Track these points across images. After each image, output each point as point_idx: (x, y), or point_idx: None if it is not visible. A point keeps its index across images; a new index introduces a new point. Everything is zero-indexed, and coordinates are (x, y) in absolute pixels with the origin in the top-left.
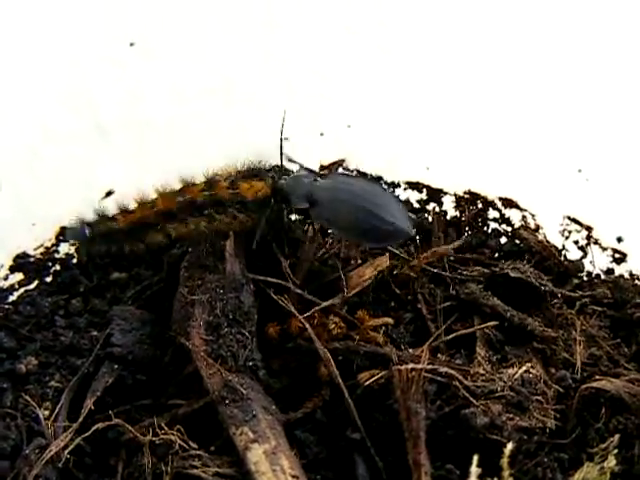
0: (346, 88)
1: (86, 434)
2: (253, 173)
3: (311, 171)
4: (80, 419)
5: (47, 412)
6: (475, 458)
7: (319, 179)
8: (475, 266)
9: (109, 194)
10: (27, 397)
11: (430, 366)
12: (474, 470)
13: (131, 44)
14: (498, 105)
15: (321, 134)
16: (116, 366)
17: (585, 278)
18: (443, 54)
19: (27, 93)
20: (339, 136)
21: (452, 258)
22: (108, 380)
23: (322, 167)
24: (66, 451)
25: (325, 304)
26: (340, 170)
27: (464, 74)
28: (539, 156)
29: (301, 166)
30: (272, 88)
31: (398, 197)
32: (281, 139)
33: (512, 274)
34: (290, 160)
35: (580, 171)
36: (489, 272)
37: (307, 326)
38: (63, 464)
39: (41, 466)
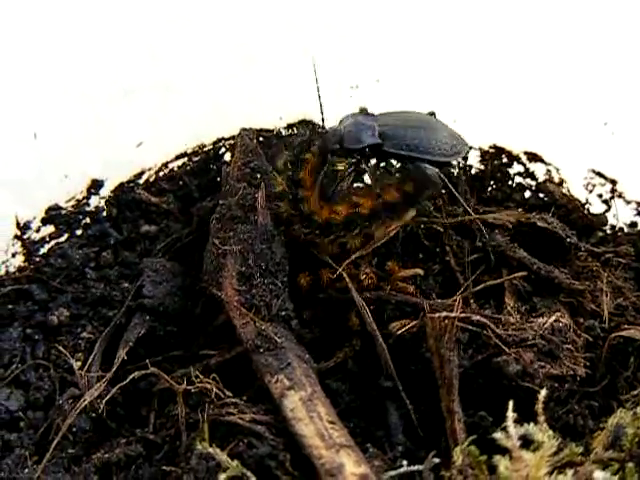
0: (375, 43)
1: (122, 383)
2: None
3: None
4: (113, 369)
5: (79, 363)
6: (510, 403)
7: (375, 118)
8: (499, 217)
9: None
10: (60, 348)
11: (463, 314)
12: (510, 415)
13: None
14: (524, 59)
15: (351, 87)
16: (147, 317)
17: (609, 231)
18: (471, 8)
19: (56, 56)
20: (368, 90)
21: (480, 210)
22: (140, 331)
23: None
24: (102, 401)
25: (357, 255)
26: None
27: (491, 28)
28: (564, 109)
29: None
30: (294, 47)
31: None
32: (319, 95)
33: (539, 223)
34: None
35: (606, 124)
36: (515, 222)
37: (344, 274)
38: (96, 414)
39: (75, 416)
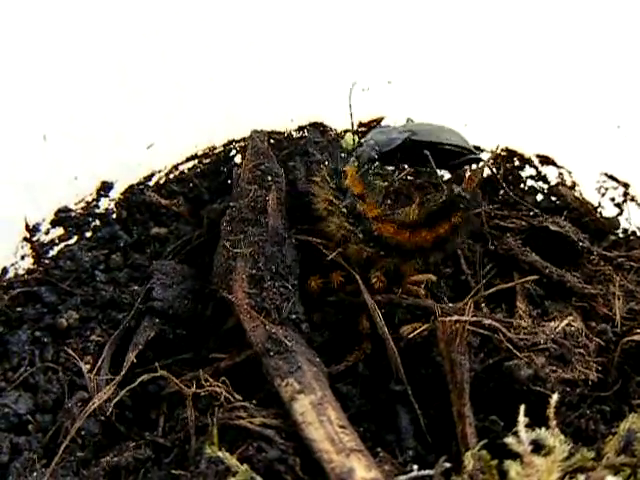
0: (387, 45)
1: (131, 386)
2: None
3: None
4: (123, 372)
5: (88, 366)
6: (522, 408)
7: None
8: (510, 220)
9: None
10: (69, 351)
11: (474, 318)
12: (522, 419)
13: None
14: (537, 63)
15: (363, 90)
16: (157, 320)
17: (621, 235)
18: (484, 12)
19: (66, 58)
20: (379, 93)
21: (492, 214)
22: (149, 334)
23: (361, 124)
24: (110, 404)
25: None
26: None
27: (504, 31)
28: (577, 112)
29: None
30: (306, 49)
31: None
32: (350, 114)
33: (552, 227)
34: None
35: (619, 127)
36: (528, 225)
37: (357, 277)
38: (105, 417)
39: (83, 419)
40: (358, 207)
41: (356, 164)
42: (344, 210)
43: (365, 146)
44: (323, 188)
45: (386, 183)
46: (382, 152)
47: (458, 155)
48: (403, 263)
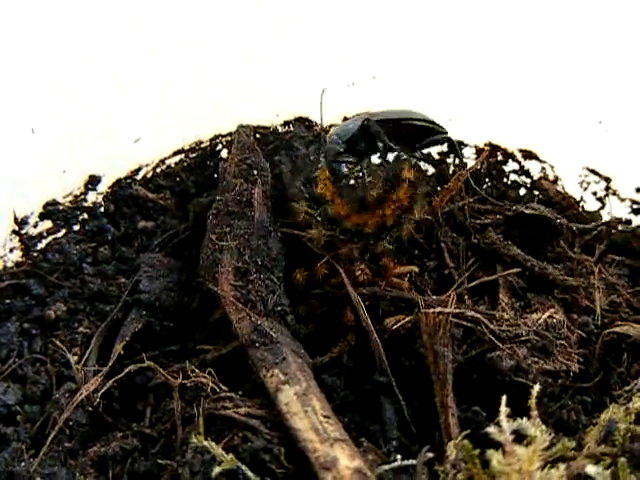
0: (371, 41)
1: (118, 376)
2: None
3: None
4: (110, 363)
5: (76, 357)
6: (504, 398)
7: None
8: (493, 214)
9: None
10: (57, 342)
11: (457, 310)
12: (503, 409)
13: None
14: (519, 58)
15: (347, 85)
16: (144, 312)
17: (603, 229)
18: (467, 6)
19: (54, 52)
20: (364, 88)
21: (474, 208)
22: (136, 326)
23: (345, 119)
24: (97, 394)
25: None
26: None
27: (486, 26)
28: (559, 107)
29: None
30: (291, 44)
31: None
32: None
33: (527, 211)
34: None
35: (600, 122)
36: (503, 217)
37: (340, 270)
38: (92, 408)
39: (71, 410)
40: (329, 211)
41: (323, 162)
42: (319, 219)
43: (329, 142)
44: (299, 201)
45: (358, 171)
46: (345, 142)
47: (424, 133)
48: (373, 245)
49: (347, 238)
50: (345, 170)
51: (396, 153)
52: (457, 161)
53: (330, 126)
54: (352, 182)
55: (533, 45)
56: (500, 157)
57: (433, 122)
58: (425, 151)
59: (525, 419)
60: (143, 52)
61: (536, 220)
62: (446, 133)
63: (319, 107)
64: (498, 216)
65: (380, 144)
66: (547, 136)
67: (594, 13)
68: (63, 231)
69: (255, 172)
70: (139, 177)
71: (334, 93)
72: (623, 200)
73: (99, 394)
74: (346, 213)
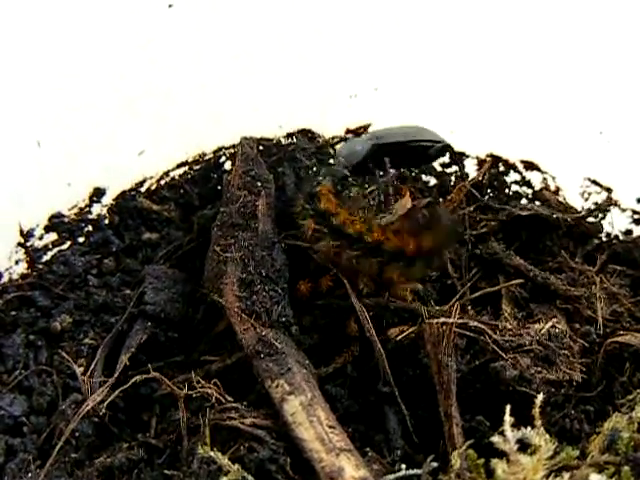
0: (373, 52)
1: (124, 387)
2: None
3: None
4: (116, 374)
5: (82, 369)
6: (508, 408)
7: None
8: (491, 221)
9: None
10: (63, 354)
11: (460, 320)
12: (507, 419)
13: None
14: (521, 69)
15: (350, 97)
16: (149, 324)
17: (604, 239)
18: (468, 19)
19: (58, 65)
20: (366, 99)
21: (476, 218)
22: (142, 337)
23: (348, 131)
24: (102, 405)
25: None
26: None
27: (488, 38)
28: (560, 118)
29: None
30: (294, 56)
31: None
32: None
33: (523, 213)
34: None
35: (601, 133)
36: (500, 223)
37: (345, 282)
38: (98, 419)
39: (77, 421)
40: (335, 223)
41: (328, 182)
42: (326, 231)
43: (336, 163)
44: (305, 218)
45: (368, 191)
46: (352, 166)
47: (431, 150)
48: (387, 264)
49: (361, 252)
50: (352, 193)
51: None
52: (458, 171)
53: (332, 138)
54: (364, 199)
55: (534, 57)
56: (502, 168)
57: (435, 136)
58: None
59: (529, 428)
60: (146, 64)
61: (533, 220)
62: (447, 143)
63: (335, 115)
64: (493, 223)
65: (389, 168)
66: (548, 147)
67: (595, 24)
68: (68, 243)
69: (259, 184)
70: (143, 189)
71: (336, 105)
72: (624, 210)
73: (105, 405)
74: (362, 228)
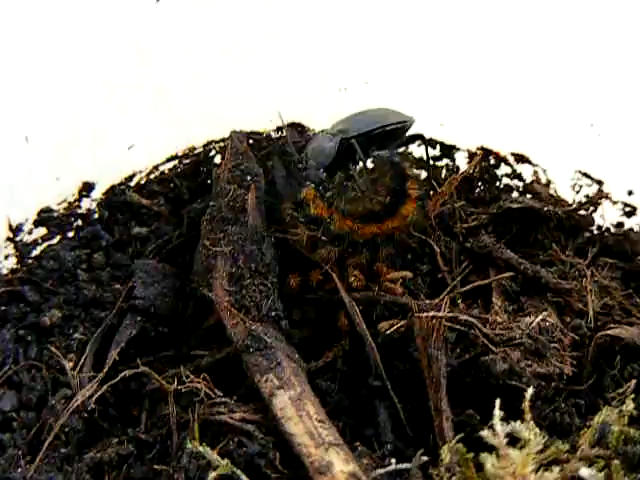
0: (363, 45)
1: (113, 381)
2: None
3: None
4: (105, 369)
5: (72, 364)
6: (497, 401)
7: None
8: (482, 215)
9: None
10: (52, 349)
11: (450, 314)
12: (497, 413)
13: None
14: (511, 61)
15: (339, 90)
16: (139, 318)
17: (596, 232)
18: (457, 11)
19: (47, 59)
20: (356, 93)
21: (467, 211)
22: (131, 332)
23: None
24: (92, 399)
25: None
26: None
27: (478, 30)
28: (551, 111)
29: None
30: (284, 49)
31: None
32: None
33: (514, 205)
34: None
35: (592, 126)
36: (491, 216)
37: (334, 276)
38: (88, 414)
39: (67, 416)
40: (333, 228)
41: (312, 186)
42: (324, 238)
43: (308, 168)
44: (297, 225)
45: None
46: (324, 167)
47: (397, 134)
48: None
49: (355, 249)
50: (333, 191)
51: (397, 165)
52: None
53: (322, 131)
54: (347, 197)
55: (525, 49)
56: (493, 161)
57: (400, 115)
58: (417, 155)
59: (518, 422)
60: (135, 58)
61: (523, 213)
62: (414, 122)
63: (325, 108)
64: (484, 216)
65: (359, 159)
66: (539, 140)
67: (584, 17)
68: (57, 238)
69: (248, 178)
70: (133, 183)
71: (326, 98)
72: (615, 203)
73: (94, 400)
74: (354, 226)
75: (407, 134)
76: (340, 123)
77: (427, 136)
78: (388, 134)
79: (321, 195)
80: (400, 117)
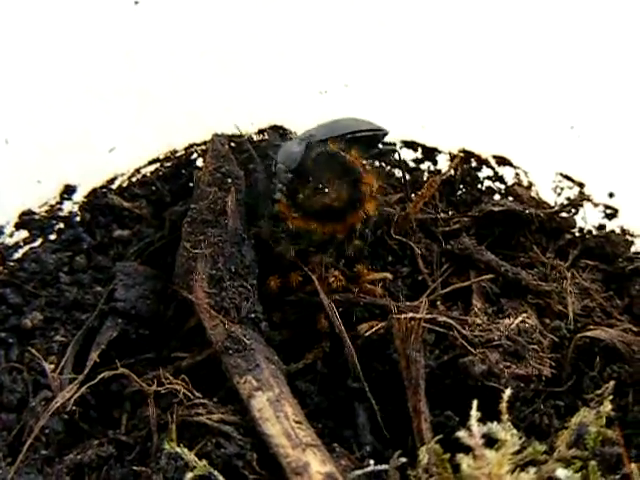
0: (344, 48)
1: (92, 382)
2: None
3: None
4: (85, 371)
5: (52, 366)
6: (475, 403)
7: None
8: (464, 217)
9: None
10: (33, 351)
11: (429, 316)
12: (474, 414)
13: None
14: (491, 63)
15: (320, 93)
16: (120, 320)
17: (577, 234)
18: (438, 15)
19: (29, 61)
20: (337, 96)
21: (447, 214)
22: (112, 334)
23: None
24: (71, 400)
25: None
26: None
27: (458, 33)
28: (531, 113)
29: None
30: (265, 53)
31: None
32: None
33: (495, 208)
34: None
35: (572, 128)
36: (472, 219)
37: (313, 278)
38: (68, 416)
39: (47, 418)
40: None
41: (282, 197)
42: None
43: (277, 172)
44: (277, 241)
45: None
46: (292, 170)
47: (369, 143)
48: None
49: (319, 248)
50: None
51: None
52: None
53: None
54: (313, 197)
55: (506, 52)
56: (474, 163)
57: (376, 129)
58: (397, 157)
59: (495, 423)
60: (118, 61)
61: (505, 216)
62: (387, 133)
63: (306, 111)
64: (465, 219)
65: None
66: (520, 142)
67: (565, 20)
68: (39, 240)
69: (229, 180)
70: (115, 186)
71: (307, 101)
72: (596, 205)
73: (75, 401)
74: (311, 224)
75: (381, 145)
76: (313, 129)
77: (408, 139)
78: (358, 140)
79: (286, 195)
80: (372, 126)
